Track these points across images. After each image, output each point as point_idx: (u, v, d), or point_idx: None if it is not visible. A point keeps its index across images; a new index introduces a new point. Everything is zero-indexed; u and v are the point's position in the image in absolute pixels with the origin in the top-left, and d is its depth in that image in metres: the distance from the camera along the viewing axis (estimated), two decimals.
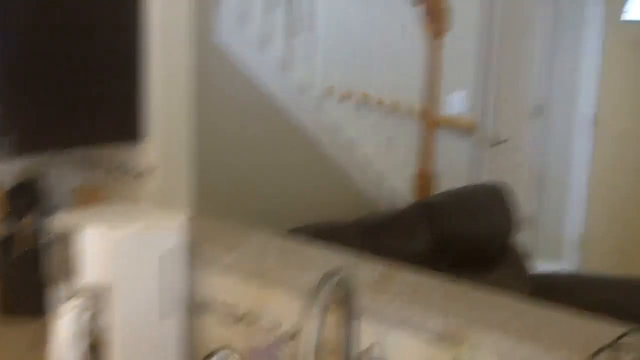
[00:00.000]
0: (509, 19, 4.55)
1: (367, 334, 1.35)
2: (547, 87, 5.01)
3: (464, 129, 4.39)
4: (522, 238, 3.76)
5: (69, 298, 1.40)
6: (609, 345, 1.10)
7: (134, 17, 1.64)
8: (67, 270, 1.44)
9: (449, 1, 3.33)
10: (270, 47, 2.58)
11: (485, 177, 4.54)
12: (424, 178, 3.38)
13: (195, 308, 1.66)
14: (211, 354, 1.42)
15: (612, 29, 4.69)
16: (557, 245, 5.14)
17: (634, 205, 4.71)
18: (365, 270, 1.54)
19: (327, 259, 1.67)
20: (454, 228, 2.86)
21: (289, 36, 2.64)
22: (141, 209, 1.70)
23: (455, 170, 4.34)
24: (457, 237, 2.88)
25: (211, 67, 2.33)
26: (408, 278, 1.51)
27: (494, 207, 3.15)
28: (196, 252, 1.66)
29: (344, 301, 1.33)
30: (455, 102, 4.39)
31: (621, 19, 4.63)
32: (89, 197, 1.81)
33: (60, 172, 1.92)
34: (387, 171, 3.23)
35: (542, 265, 4.67)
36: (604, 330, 1.21)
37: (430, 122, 3.36)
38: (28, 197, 1.79)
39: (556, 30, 4.93)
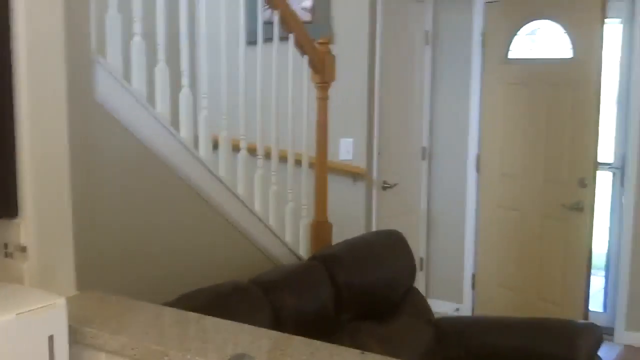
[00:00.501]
0: (393, 64, 4.62)
1: None
2: (435, 129, 5.10)
3: (355, 174, 4.38)
4: (418, 281, 3.74)
5: None
6: None
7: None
8: None
9: (334, 50, 3.31)
10: (155, 103, 2.45)
11: (378, 221, 4.54)
12: (321, 227, 3.31)
13: None
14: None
15: (493, 69, 4.84)
16: (451, 286, 5.19)
17: (518, 244, 4.82)
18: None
19: (224, 332, 1.56)
20: (355, 279, 2.80)
21: (173, 91, 2.53)
22: (16, 290, 1.53)
23: (350, 217, 4.31)
24: (360, 288, 2.82)
25: (95, 127, 2.17)
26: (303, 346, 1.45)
27: (393, 254, 3.13)
28: (79, 337, 1.50)
29: None
30: (345, 149, 4.39)
31: (506, 58, 4.79)
32: None
33: None
34: (283, 223, 3.14)
35: (438, 307, 4.69)
36: None
37: (322, 170, 3.31)
38: None
39: (441, 72, 5.05)
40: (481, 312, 5.01)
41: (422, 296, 3.29)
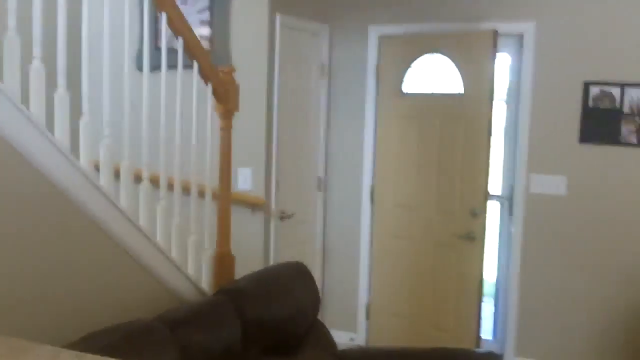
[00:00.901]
0: (290, 96, 4.62)
1: None
2: (330, 160, 5.13)
3: (253, 205, 4.32)
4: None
5: None
6: None
7: None
8: None
9: (238, 80, 3.26)
10: (54, 130, 2.32)
11: (276, 252, 4.50)
12: (224, 259, 3.23)
13: None
14: None
15: (388, 102, 4.93)
16: (346, 316, 5.20)
17: (412, 274, 4.90)
18: None
19: None
20: (263, 313, 2.74)
21: (74, 117, 2.40)
22: None
23: (248, 248, 4.24)
24: (268, 323, 2.76)
25: None
26: None
27: (299, 287, 3.09)
28: None
29: None
30: (243, 179, 4.33)
31: (400, 92, 4.88)
32: None
33: None
34: (185, 256, 3.03)
35: (336, 337, 4.67)
36: None
37: (225, 201, 3.23)
38: None
39: (337, 104, 5.09)
40: (375, 342, 5.04)
41: (326, 329, 3.27)
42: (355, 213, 5.11)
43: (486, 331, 4.98)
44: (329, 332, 3.27)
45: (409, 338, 4.85)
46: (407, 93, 4.88)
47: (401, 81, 4.89)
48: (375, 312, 5.11)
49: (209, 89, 3.11)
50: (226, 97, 3.17)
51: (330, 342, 3.21)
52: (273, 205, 4.47)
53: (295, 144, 4.78)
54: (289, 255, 4.50)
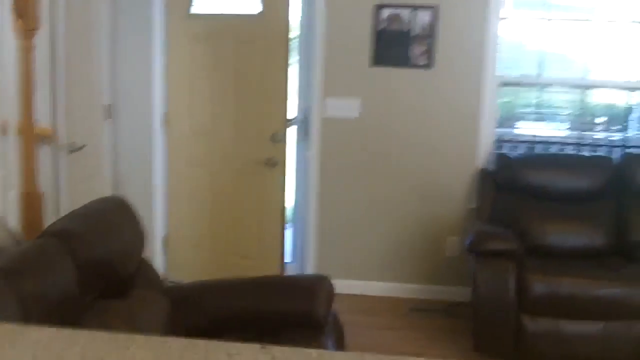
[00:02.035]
0: (74, 16, 4.16)
1: None
2: (118, 87, 4.75)
3: (41, 137, 3.89)
4: None
5: None
6: None
7: None
8: None
9: None
10: None
11: (69, 188, 4.11)
12: (30, 198, 2.87)
13: None
14: None
15: (177, 24, 4.65)
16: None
17: (212, 203, 4.78)
18: None
19: None
20: (95, 254, 2.48)
21: None
22: None
23: (50, 185, 3.83)
24: (102, 264, 2.51)
25: None
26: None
27: (125, 223, 2.84)
28: None
29: None
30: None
31: (188, 13, 4.61)
32: None
33: None
34: None
35: None
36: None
37: (28, 134, 2.85)
38: None
39: (123, 27, 4.68)
40: (176, 277, 4.88)
41: (152, 265, 3.07)
42: (148, 142, 4.83)
43: (286, 254, 5.03)
44: (155, 269, 3.07)
45: (212, 269, 4.76)
46: (197, 14, 4.64)
47: (190, 2, 4.63)
48: (173, 244, 4.93)
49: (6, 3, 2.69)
50: (26, 12, 2.76)
51: (158, 280, 3.02)
52: (61, 137, 4.05)
53: (82, 70, 4.35)
54: (79, 191, 4.14)
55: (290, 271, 4.83)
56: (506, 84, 4.81)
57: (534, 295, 3.76)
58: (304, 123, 4.87)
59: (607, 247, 4.17)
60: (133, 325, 2.60)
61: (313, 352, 1.11)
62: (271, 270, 4.55)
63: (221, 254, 4.78)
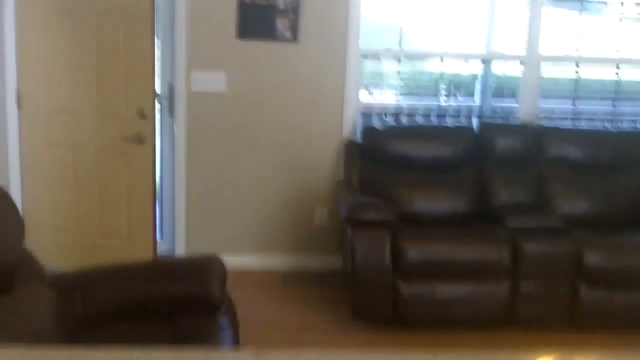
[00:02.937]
0: None
1: None
2: None
3: None
4: None
5: None
6: None
7: None
8: None
9: None
10: None
11: None
12: None
13: None
14: None
15: None
16: None
17: (74, 184, 4.56)
18: None
19: None
20: None
21: None
22: None
23: None
24: None
25: None
26: None
27: (2, 213, 2.64)
28: None
29: None
30: None
31: None
32: None
33: None
34: None
35: None
36: None
37: None
38: None
39: None
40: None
41: (34, 256, 2.89)
42: (0, 122, 4.50)
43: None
44: (37, 258, 2.89)
45: (77, 252, 4.54)
46: None
47: None
48: (31, 228, 4.64)
49: None
50: None
51: (42, 270, 2.85)
52: None
53: None
54: None
55: (161, 250, 4.71)
56: (369, 56, 4.93)
57: (409, 261, 3.92)
58: (170, 98, 4.74)
59: (472, 212, 4.42)
60: (25, 320, 2.45)
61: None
62: (143, 250, 4.41)
63: (87, 236, 4.57)
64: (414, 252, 3.94)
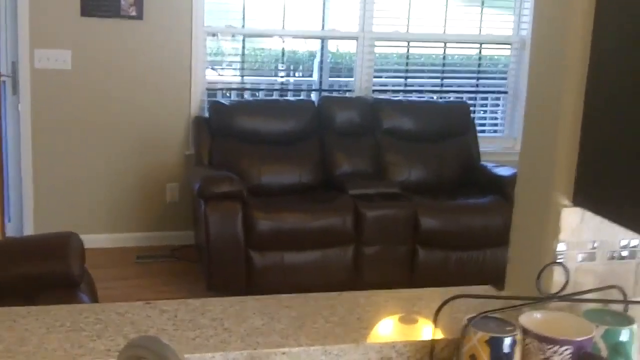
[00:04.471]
0: None
1: None
2: None
3: None
4: None
5: None
6: None
7: None
8: None
9: None
10: None
11: None
12: None
13: None
14: None
15: None
16: None
17: None
18: None
19: None
20: None
21: None
22: None
23: None
24: None
25: None
26: None
27: None
28: None
29: None
30: None
31: None
32: None
33: None
34: None
35: None
36: None
37: None
38: None
39: None
40: None
41: None
42: None
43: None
44: None
45: None
46: None
47: None
48: None
49: None
50: None
51: None
52: None
53: None
54: None
55: (10, 232, 4.62)
56: (212, 34, 5.04)
57: (260, 232, 4.12)
58: (13, 76, 4.61)
59: (317, 182, 4.68)
60: None
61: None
62: None
63: None
64: (264, 223, 4.13)
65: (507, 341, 1.14)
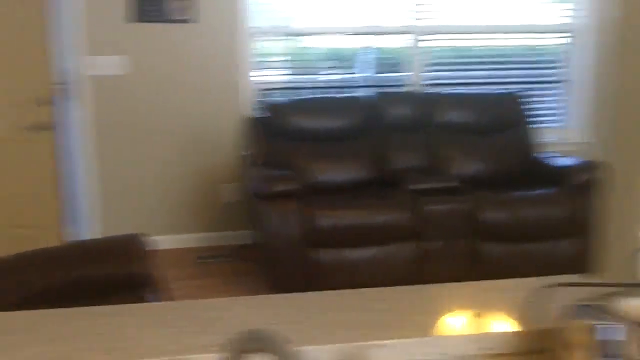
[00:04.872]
0: None
1: None
2: None
3: None
4: None
5: None
6: None
7: None
8: None
9: None
10: None
11: None
12: None
13: None
14: None
15: None
16: None
17: None
18: None
19: None
20: None
21: None
22: None
23: None
24: None
25: None
26: None
27: None
28: None
29: None
30: None
31: None
32: None
33: None
34: None
35: None
36: None
37: None
38: None
39: None
40: None
41: None
42: None
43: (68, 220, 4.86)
44: None
45: None
46: None
47: None
48: None
49: None
50: None
51: None
52: None
53: None
54: None
55: (73, 237, 4.69)
56: (259, 34, 5.04)
57: (319, 230, 4.10)
58: (71, 83, 4.68)
59: (373, 179, 4.65)
60: None
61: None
62: (51, 238, 4.40)
63: None
64: (323, 220, 4.12)
65: (616, 329, 1.11)
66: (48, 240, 4.33)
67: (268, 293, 4.14)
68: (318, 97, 5.12)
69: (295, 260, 4.11)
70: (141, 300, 3.02)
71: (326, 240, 4.15)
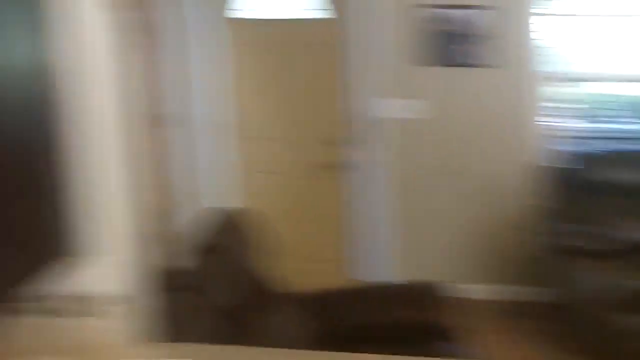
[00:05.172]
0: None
1: None
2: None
3: None
4: None
5: None
6: None
7: None
8: None
9: None
10: None
11: None
12: None
13: None
14: None
15: (236, 31, 4.58)
16: None
17: (286, 209, 4.67)
18: None
19: None
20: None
21: None
22: None
23: None
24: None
25: None
26: None
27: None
28: None
29: None
30: None
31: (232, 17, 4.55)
32: None
33: None
34: None
35: None
36: None
37: None
38: None
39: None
40: None
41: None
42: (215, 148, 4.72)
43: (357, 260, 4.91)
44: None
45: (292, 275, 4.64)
46: (243, 18, 4.58)
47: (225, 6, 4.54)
48: None
49: None
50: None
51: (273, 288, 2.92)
52: None
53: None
54: None
55: (363, 277, 4.71)
56: (552, 79, 4.74)
57: (630, 293, 3.67)
58: (368, 125, 4.73)
59: None
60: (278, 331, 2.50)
61: None
62: (341, 274, 4.49)
63: (300, 259, 4.65)
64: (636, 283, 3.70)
65: None
66: (338, 277, 4.42)
67: (573, 357, 3.79)
68: (632, 149, 4.67)
69: (607, 325, 3.71)
70: (433, 350, 2.84)
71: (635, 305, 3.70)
